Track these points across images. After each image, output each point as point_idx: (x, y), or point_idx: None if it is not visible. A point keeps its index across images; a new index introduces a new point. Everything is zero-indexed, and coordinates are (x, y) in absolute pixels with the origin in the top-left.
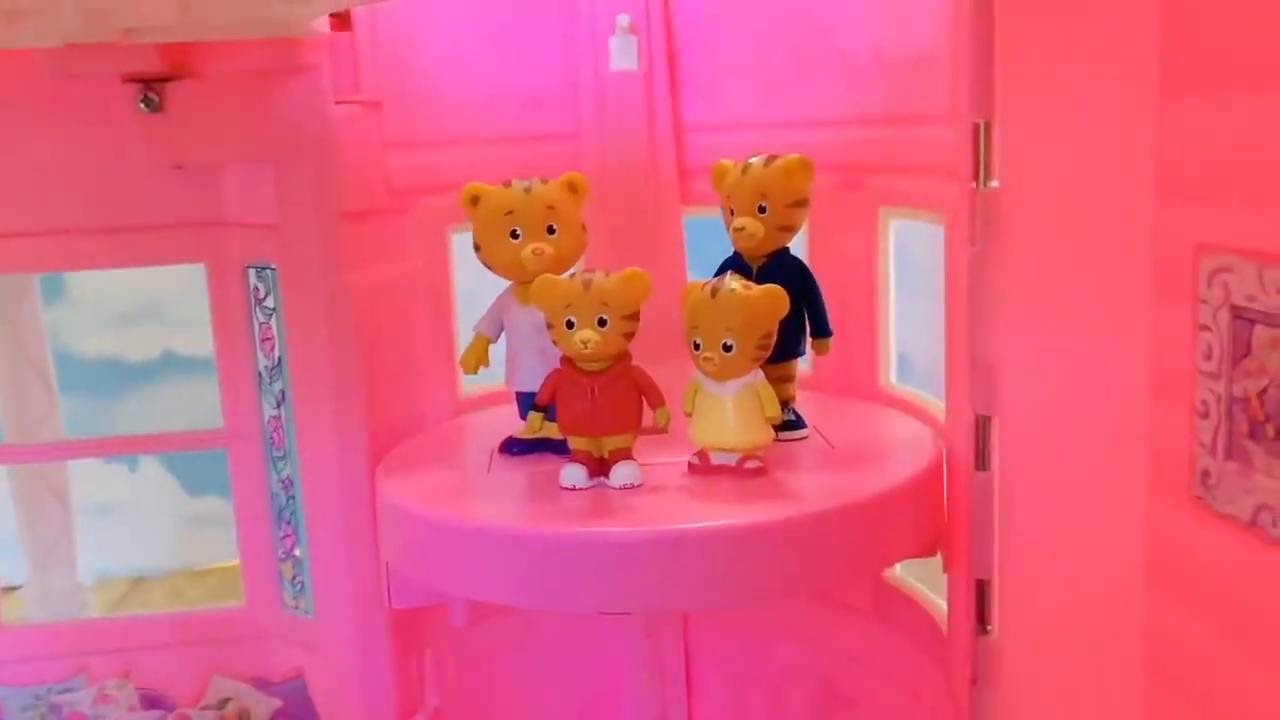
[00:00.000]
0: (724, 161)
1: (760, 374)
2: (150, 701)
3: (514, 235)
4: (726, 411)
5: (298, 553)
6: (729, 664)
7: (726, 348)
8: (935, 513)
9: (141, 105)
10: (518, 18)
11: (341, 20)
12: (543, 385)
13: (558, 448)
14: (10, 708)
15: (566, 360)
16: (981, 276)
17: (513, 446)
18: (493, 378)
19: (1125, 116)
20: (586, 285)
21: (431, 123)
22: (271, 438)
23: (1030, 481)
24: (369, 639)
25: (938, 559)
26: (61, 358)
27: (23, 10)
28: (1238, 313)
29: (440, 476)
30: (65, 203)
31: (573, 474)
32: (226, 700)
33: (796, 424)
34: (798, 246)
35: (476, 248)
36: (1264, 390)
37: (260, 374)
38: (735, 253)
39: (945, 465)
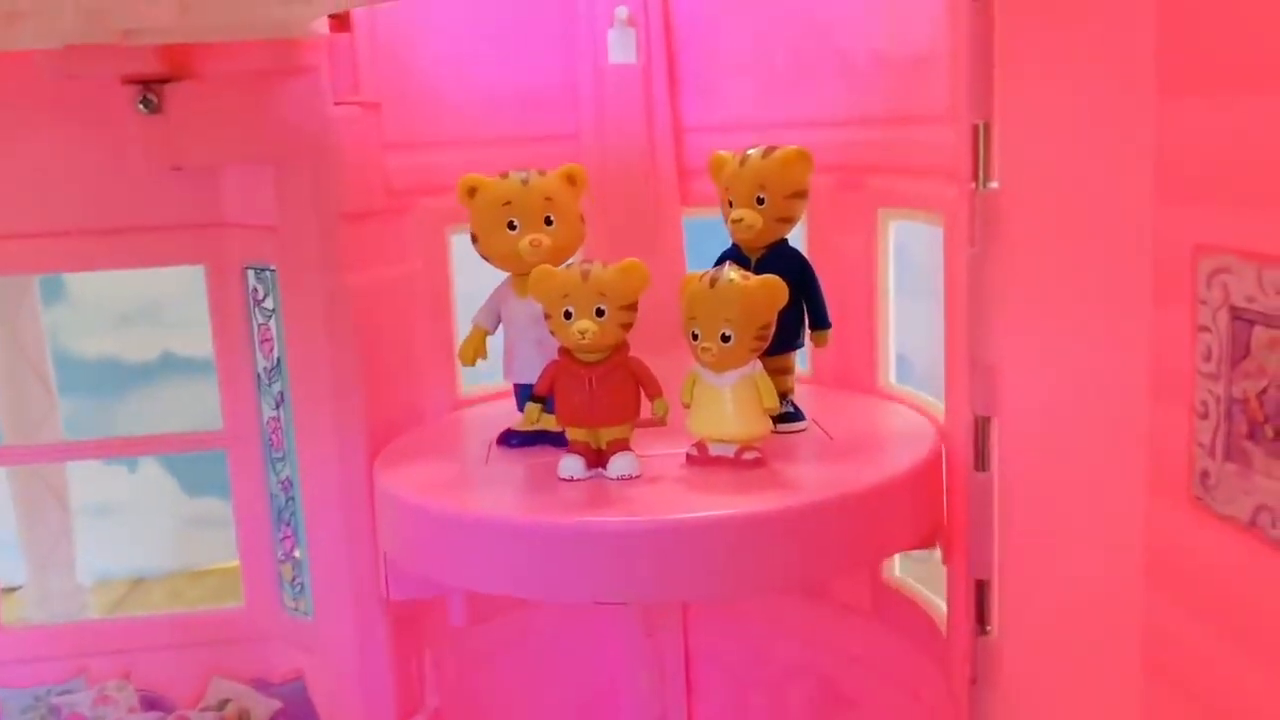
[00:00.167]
0: (722, 153)
1: (759, 365)
2: (150, 703)
3: (511, 226)
4: (725, 402)
5: (297, 554)
6: (729, 664)
7: (725, 338)
8: (934, 504)
9: (141, 106)
10: (517, 18)
11: (341, 21)
12: (540, 376)
13: (556, 440)
14: (10, 709)
15: (564, 351)
16: (981, 277)
17: (511, 439)
18: (492, 377)
19: (1124, 117)
20: (584, 276)
21: (431, 124)
22: (271, 439)
23: (1030, 482)
24: (368, 640)
25: (938, 558)
26: (61, 359)
27: (22, 11)
28: (1237, 313)
29: (439, 468)
30: (65, 204)
31: (570, 465)
32: (226, 701)
33: (795, 416)
34: (797, 245)
35: (474, 239)
36: (1263, 391)
37: (259, 375)
38: (734, 244)
39: (944, 457)
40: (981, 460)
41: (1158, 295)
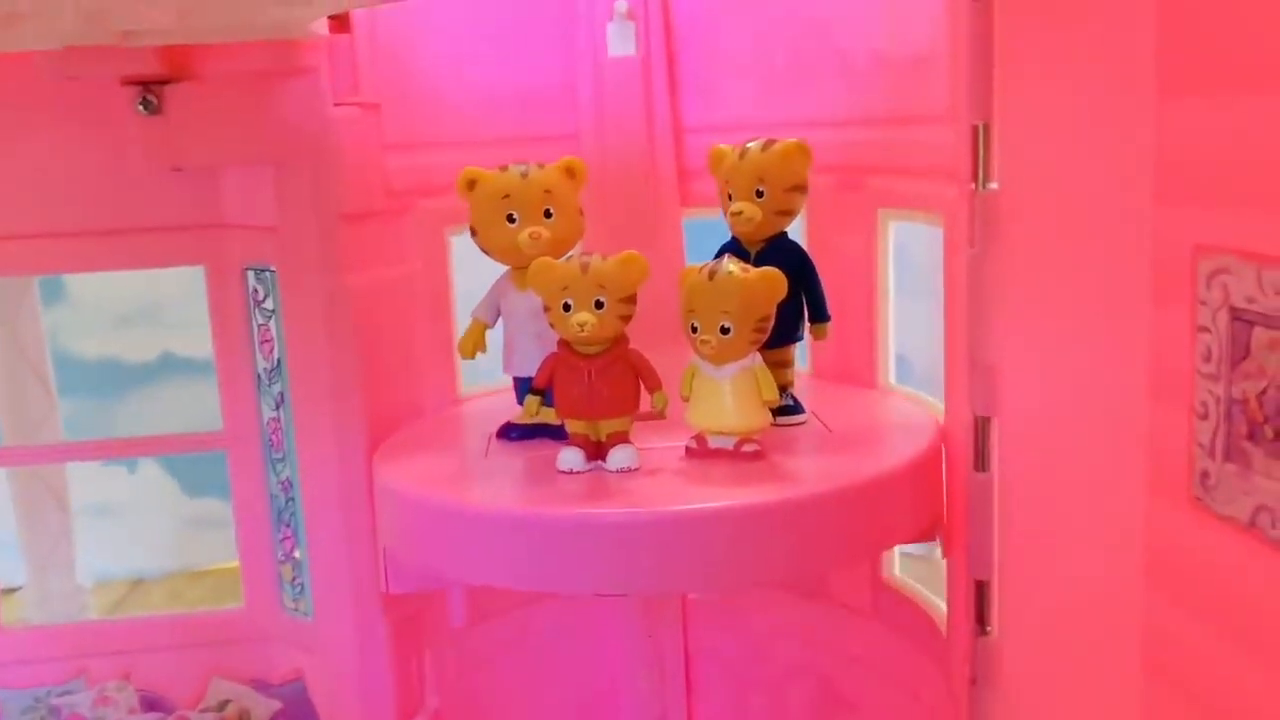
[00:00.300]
0: (721, 146)
1: (758, 357)
2: (150, 704)
3: (510, 219)
4: (724, 395)
5: (297, 554)
6: (729, 664)
7: (724, 330)
8: (934, 497)
9: (140, 107)
10: (516, 19)
11: (340, 22)
12: (540, 368)
13: (555, 433)
14: (10, 710)
15: (563, 344)
16: (980, 278)
17: (510, 432)
18: (492, 377)
19: (1124, 118)
20: (584, 268)
21: (430, 124)
22: (271, 439)
23: (1030, 482)
24: (368, 640)
25: (938, 557)
26: (61, 359)
27: (22, 13)
28: (1237, 314)
29: (438, 461)
30: (64, 205)
31: (570, 458)
32: (226, 702)
33: (794, 409)
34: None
35: (473, 232)
36: (1263, 392)
37: (259, 376)
38: (733, 238)
39: (944, 449)
40: (981, 460)
41: (1157, 295)
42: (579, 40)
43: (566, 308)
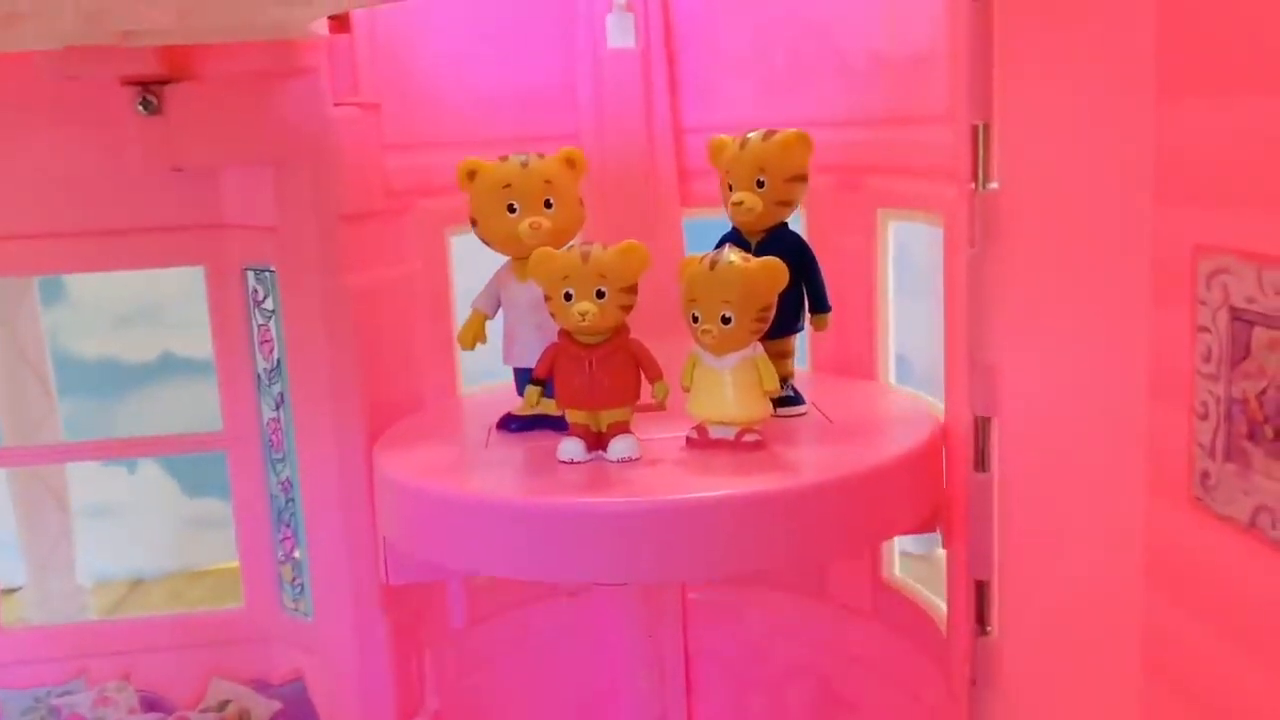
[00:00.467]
0: (721, 137)
1: (759, 347)
2: (150, 704)
3: (511, 210)
4: (725, 385)
5: (297, 554)
6: (729, 664)
7: (725, 320)
8: (934, 487)
9: (140, 107)
10: (516, 19)
11: (340, 22)
12: (540, 358)
13: (556, 424)
14: (10, 710)
15: (564, 334)
16: (980, 277)
17: (511, 423)
18: (492, 376)
19: (1124, 118)
20: (584, 257)
21: (430, 125)
22: (271, 440)
23: (1030, 482)
24: (368, 640)
25: (938, 557)
26: (61, 360)
27: (22, 13)
28: (1237, 314)
29: (438, 452)
30: (64, 205)
31: (570, 448)
32: (226, 702)
33: (795, 400)
34: None
35: (473, 222)
36: (1263, 392)
37: (259, 376)
38: (734, 228)
39: (944, 439)
40: (981, 460)
41: (1157, 295)
42: (578, 36)
43: (568, 297)
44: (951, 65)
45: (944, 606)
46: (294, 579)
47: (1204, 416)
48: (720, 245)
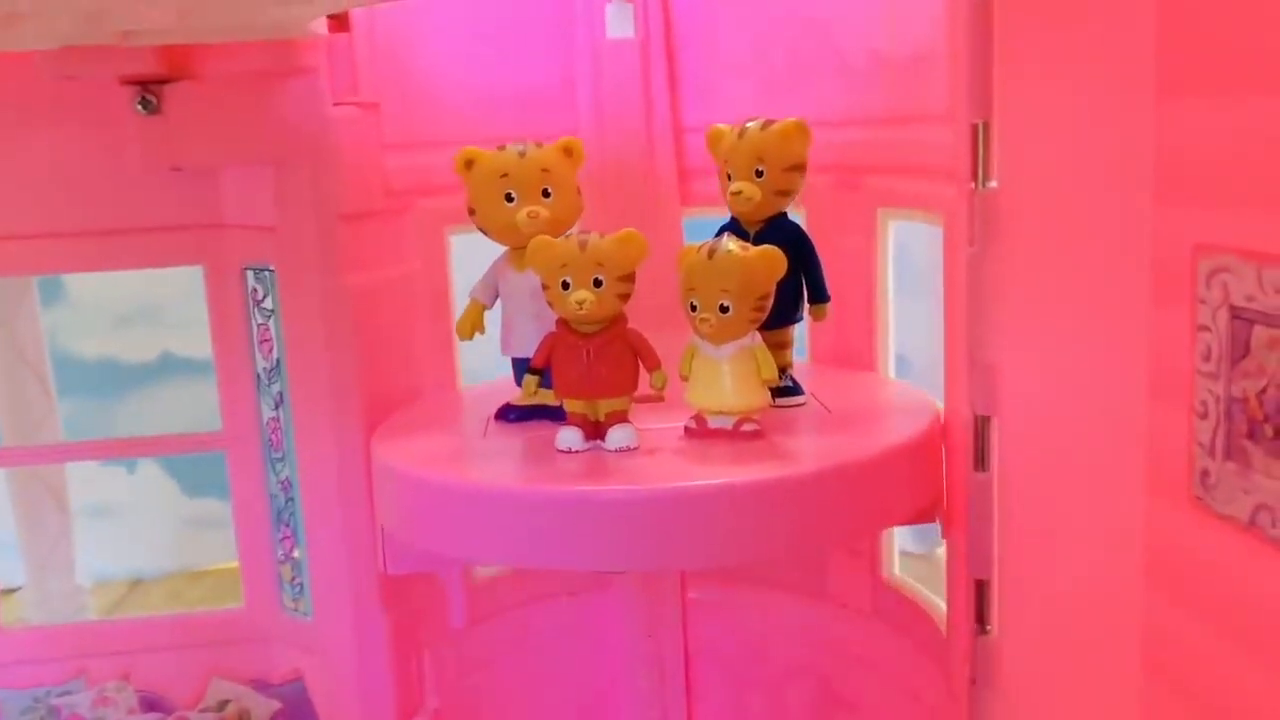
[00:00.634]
0: (720, 126)
1: (757, 336)
2: (149, 704)
3: (509, 199)
4: (723, 374)
5: (296, 554)
6: (729, 664)
7: (723, 309)
8: (933, 477)
9: (139, 107)
10: (515, 18)
11: (339, 22)
12: (538, 348)
13: (554, 414)
14: (9, 710)
15: (562, 323)
16: (980, 277)
17: (509, 413)
18: (491, 374)
19: (1123, 117)
20: (582, 246)
21: (429, 124)
22: (270, 439)
23: (1030, 481)
24: (368, 640)
25: (938, 556)
26: (60, 360)
27: (22, 13)
28: (1236, 313)
29: (437, 442)
30: (63, 205)
31: (568, 437)
32: (226, 702)
33: (793, 390)
34: None
35: (471, 211)
36: (1263, 390)
37: (259, 376)
38: (732, 218)
39: (944, 445)
40: (981, 460)
41: (1157, 295)
42: (577, 30)
43: (565, 286)
44: (951, 64)
45: (944, 606)
46: (293, 579)
47: (1204, 415)
48: (719, 235)
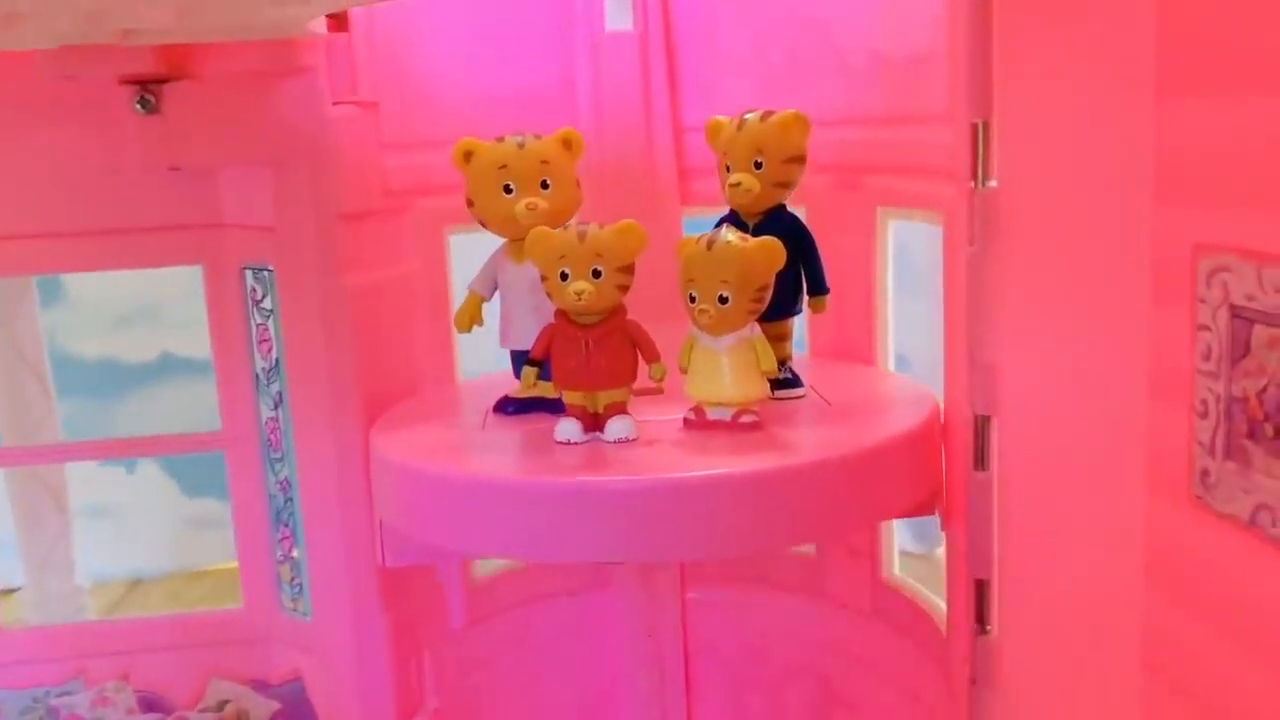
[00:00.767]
0: (719, 118)
1: (756, 328)
2: (148, 704)
3: (507, 190)
4: (722, 366)
5: (296, 554)
6: (729, 664)
7: (722, 300)
8: (932, 468)
9: (138, 107)
10: (514, 18)
11: (338, 21)
12: (537, 339)
13: (553, 407)
14: (8, 710)
15: (561, 314)
16: (980, 276)
17: (508, 406)
18: (492, 373)
19: (1123, 116)
20: (581, 237)
21: (429, 124)
22: (269, 439)
23: (1030, 481)
24: (367, 640)
25: (938, 556)
26: (60, 360)
27: (22, 13)
28: (1236, 312)
29: (435, 434)
30: (62, 205)
31: (567, 429)
32: (225, 702)
33: (793, 382)
34: None
35: (470, 203)
36: (1263, 390)
37: (258, 376)
38: (731, 210)
39: (943, 420)
40: (981, 460)
41: (1157, 294)
42: (576, 27)
43: (564, 277)
44: (951, 64)
45: (944, 606)
46: (293, 579)
47: (1204, 415)
48: (718, 227)
